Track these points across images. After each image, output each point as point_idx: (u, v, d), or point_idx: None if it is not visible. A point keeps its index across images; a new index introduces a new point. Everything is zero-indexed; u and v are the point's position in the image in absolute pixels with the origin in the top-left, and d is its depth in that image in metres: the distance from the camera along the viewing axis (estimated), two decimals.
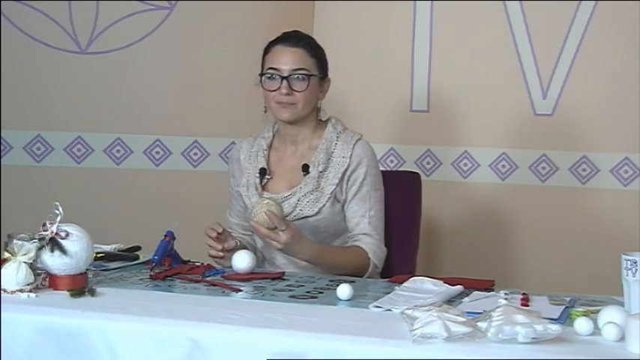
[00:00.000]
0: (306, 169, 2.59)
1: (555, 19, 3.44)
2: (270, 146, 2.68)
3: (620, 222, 3.36)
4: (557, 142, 3.46)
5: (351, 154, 2.59)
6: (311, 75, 2.56)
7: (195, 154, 3.60)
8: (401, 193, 2.72)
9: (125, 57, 3.53)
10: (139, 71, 3.55)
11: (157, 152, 3.58)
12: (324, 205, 2.56)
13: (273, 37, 2.63)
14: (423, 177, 3.07)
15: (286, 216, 2.52)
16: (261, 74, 2.59)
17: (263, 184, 2.63)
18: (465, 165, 3.56)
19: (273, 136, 2.70)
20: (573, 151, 3.44)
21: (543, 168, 3.48)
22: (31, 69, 3.50)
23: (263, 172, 2.63)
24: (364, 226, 2.57)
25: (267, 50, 2.62)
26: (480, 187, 3.55)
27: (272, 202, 2.40)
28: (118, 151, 3.56)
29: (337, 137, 2.62)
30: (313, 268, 2.55)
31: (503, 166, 3.52)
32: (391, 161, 3.61)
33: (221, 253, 2.45)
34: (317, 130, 2.65)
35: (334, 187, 2.57)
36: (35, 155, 3.52)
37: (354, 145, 2.60)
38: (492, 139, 3.53)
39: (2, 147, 3.47)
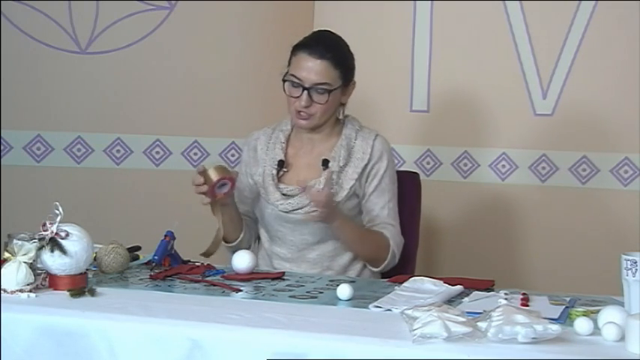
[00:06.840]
0: (325, 163, 2.59)
1: (555, 19, 3.43)
2: (287, 139, 2.68)
3: (620, 222, 3.36)
4: (557, 142, 3.45)
5: (372, 149, 2.62)
6: (332, 89, 2.55)
7: (195, 154, 3.60)
8: (401, 193, 2.72)
9: (125, 57, 3.52)
10: (139, 71, 3.54)
11: (157, 152, 3.58)
12: (342, 199, 2.57)
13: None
14: (422, 177, 3.07)
15: (304, 207, 2.54)
16: (284, 80, 2.57)
17: (279, 175, 2.63)
18: (465, 165, 3.56)
19: (292, 128, 2.69)
20: (573, 151, 3.44)
21: (543, 168, 3.47)
22: (31, 69, 3.49)
23: (281, 164, 2.63)
24: (384, 217, 2.61)
25: (294, 52, 2.58)
26: (480, 187, 3.55)
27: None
28: (118, 151, 3.56)
29: (356, 134, 2.64)
30: (313, 266, 2.55)
31: (503, 166, 3.51)
32: None
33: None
34: (335, 128, 2.66)
35: (354, 182, 2.59)
36: (35, 155, 3.51)
37: (373, 140, 2.63)
38: (492, 139, 3.52)
39: (2, 147, 3.47)
